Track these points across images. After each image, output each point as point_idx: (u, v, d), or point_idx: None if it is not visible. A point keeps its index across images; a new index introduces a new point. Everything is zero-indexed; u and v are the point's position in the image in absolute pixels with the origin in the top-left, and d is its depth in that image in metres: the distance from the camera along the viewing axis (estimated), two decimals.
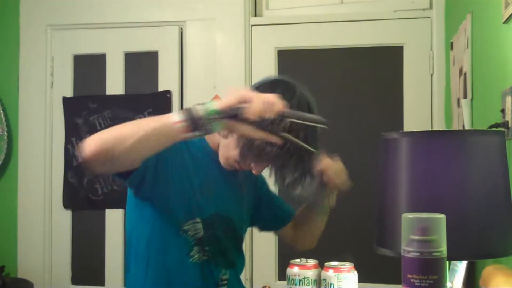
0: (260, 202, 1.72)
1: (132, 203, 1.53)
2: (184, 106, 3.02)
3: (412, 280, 0.97)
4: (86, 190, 3.10)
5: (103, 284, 3.08)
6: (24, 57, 3.17)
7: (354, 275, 1.40)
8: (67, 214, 3.13)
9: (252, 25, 3.02)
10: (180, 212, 1.47)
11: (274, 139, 1.24)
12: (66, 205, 3.12)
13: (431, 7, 2.86)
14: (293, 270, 1.43)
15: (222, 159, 1.50)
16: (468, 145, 1.19)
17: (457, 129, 2.20)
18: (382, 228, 1.26)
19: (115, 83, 3.12)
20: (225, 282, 1.54)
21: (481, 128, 1.79)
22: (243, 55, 2.99)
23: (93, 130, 3.09)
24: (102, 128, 3.07)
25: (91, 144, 1.22)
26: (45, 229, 3.12)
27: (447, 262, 1.01)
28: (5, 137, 3.13)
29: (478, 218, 1.16)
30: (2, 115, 3.14)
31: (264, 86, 1.39)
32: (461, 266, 1.51)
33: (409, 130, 1.26)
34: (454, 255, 1.06)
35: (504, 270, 1.13)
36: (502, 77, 1.62)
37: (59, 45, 3.17)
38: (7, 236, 3.14)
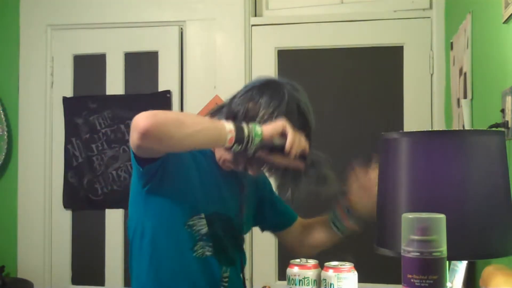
0: (262, 203, 1.73)
1: (138, 197, 1.53)
2: (184, 106, 3.03)
3: (412, 280, 0.97)
4: (86, 190, 3.10)
5: (103, 284, 3.08)
6: (24, 57, 3.17)
7: (354, 275, 1.40)
8: (67, 214, 3.13)
9: (252, 25, 3.02)
10: (186, 207, 1.49)
11: (300, 165, 1.41)
12: (66, 205, 3.12)
13: (431, 7, 2.86)
14: (293, 270, 1.43)
15: (219, 160, 1.54)
16: (468, 145, 1.19)
17: (457, 129, 2.20)
18: (382, 228, 1.26)
19: (115, 83, 3.12)
20: (226, 279, 1.56)
21: (481, 128, 1.79)
22: (243, 55, 2.99)
23: (93, 130, 3.09)
24: (102, 128, 3.09)
25: (151, 118, 1.26)
26: (45, 229, 3.12)
27: (447, 262, 1.01)
28: (5, 137, 3.13)
29: (478, 218, 1.16)
30: (2, 115, 3.14)
31: (253, 91, 1.46)
32: (461, 266, 1.51)
33: (409, 130, 1.26)
34: (454, 255, 1.06)
35: (504, 270, 1.13)
36: (502, 77, 1.62)
37: (59, 45, 3.17)
38: (7, 236, 3.14)
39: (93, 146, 3.10)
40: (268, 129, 1.35)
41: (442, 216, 0.99)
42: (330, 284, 1.37)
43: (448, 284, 1.24)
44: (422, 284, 0.96)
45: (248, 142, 1.32)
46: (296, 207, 1.72)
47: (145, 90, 3.08)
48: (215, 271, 1.53)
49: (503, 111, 1.55)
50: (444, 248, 0.98)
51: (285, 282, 1.45)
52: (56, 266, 3.13)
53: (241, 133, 1.32)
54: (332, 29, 2.95)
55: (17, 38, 3.16)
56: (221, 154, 1.52)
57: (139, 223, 1.54)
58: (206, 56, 3.03)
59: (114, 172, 3.07)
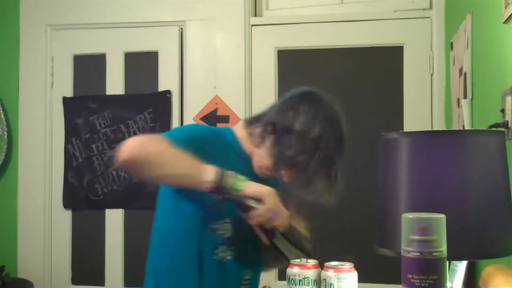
0: None
1: (166, 196, 1.57)
2: (184, 106, 3.03)
3: (412, 280, 0.97)
4: (86, 190, 3.10)
5: (103, 284, 3.08)
6: (24, 57, 3.17)
7: (354, 275, 1.40)
8: (67, 214, 3.13)
9: (252, 25, 3.02)
10: (212, 211, 1.52)
11: (264, 239, 1.46)
12: (66, 205, 3.12)
13: (431, 7, 2.86)
14: (293, 270, 1.43)
15: (256, 167, 1.57)
16: (468, 145, 1.19)
17: (457, 129, 2.20)
18: (382, 228, 1.26)
19: (115, 83, 3.12)
20: (247, 282, 1.59)
21: (481, 128, 1.79)
22: (243, 55, 2.99)
23: (93, 130, 3.09)
24: (102, 128, 3.09)
25: (135, 149, 1.36)
26: (45, 229, 3.12)
27: (447, 262, 1.01)
28: (5, 137, 3.13)
29: (478, 218, 1.16)
30: (2, 115, 3.14)
31: (292, 100, 1.53)
32: (461, 266, 1.51)
33: (409, 130, 1.26)
34: (454, 255, 1.06)
35: (504, 270, 1.13)
36: (502, 77, 1.62)
37: (59, 45, 3.17)
38: (7, 236, 3.14)
39: (93, 146, 3.10)
40: (251, 188, 1.39)
41: (442, 216, 0.99)
42: (330, 284, 1.37)
43: (448, 284, 1.24)
44: (422, 284, 0.96)
45: (225, 193, 1.38)
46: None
47: (145, 90, 3.08)
48: (235, 274, 1.56)
49: (503, 111, 1.55)
50: (444, 248, 0.98)
51: (285, 282, 1.44)
52: (56, 266, 3.13)
53: (222, 181, 1.36)
54: (332, 29, 2.95)
55: (17, 38, 3.16)
56: (260, 160, 1.54)
57: (165, 220, 1.57)
58: (206, 56, 3.03)
59: (114, 172, 3.07)
